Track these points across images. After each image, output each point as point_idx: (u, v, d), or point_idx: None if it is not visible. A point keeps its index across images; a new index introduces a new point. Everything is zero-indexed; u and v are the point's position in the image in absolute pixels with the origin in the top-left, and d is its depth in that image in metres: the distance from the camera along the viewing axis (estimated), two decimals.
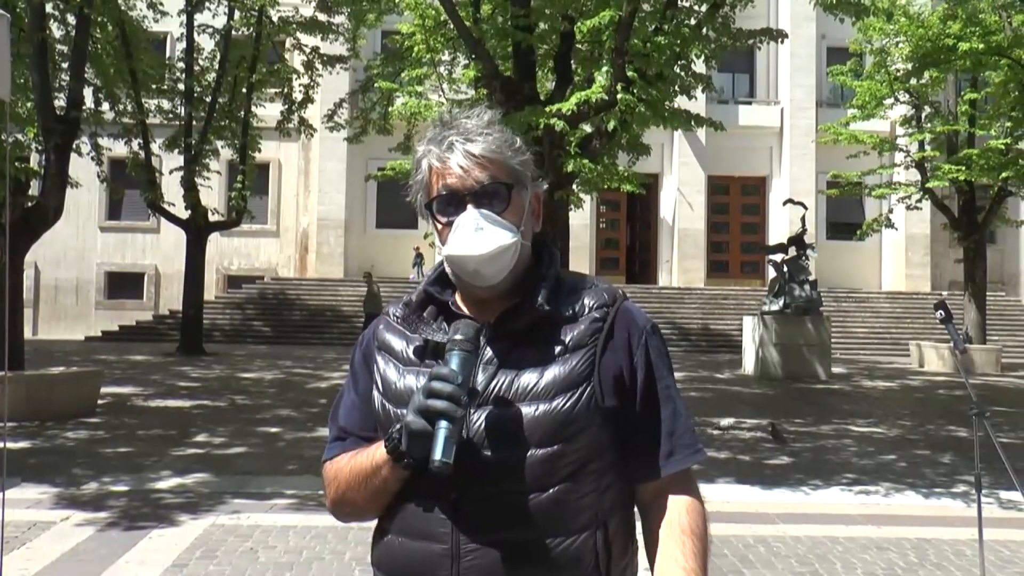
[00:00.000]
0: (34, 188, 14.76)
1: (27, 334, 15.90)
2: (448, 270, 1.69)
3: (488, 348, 1.62)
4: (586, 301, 1.67)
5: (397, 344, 1.71)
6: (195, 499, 7.13)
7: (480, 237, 1.59)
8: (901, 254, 32.02)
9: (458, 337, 1.56)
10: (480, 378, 1.60)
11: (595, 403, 1.61)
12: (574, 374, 1.60)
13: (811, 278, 20.01)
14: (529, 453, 1.57)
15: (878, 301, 30.42)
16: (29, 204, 13.15)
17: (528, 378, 1.59)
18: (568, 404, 1.58)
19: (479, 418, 1.58)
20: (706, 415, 11.98)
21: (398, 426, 1.56)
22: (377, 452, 1.60)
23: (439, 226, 1.65)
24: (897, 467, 9.16)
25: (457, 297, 1.71)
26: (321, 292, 28.97)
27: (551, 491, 1.57)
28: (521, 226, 1.65)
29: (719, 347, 25.85)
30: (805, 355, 18.82)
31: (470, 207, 1.61)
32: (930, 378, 19.46)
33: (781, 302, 19.33)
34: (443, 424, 1.48)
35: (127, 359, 20.06)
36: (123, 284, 30.37)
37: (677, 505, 1.66)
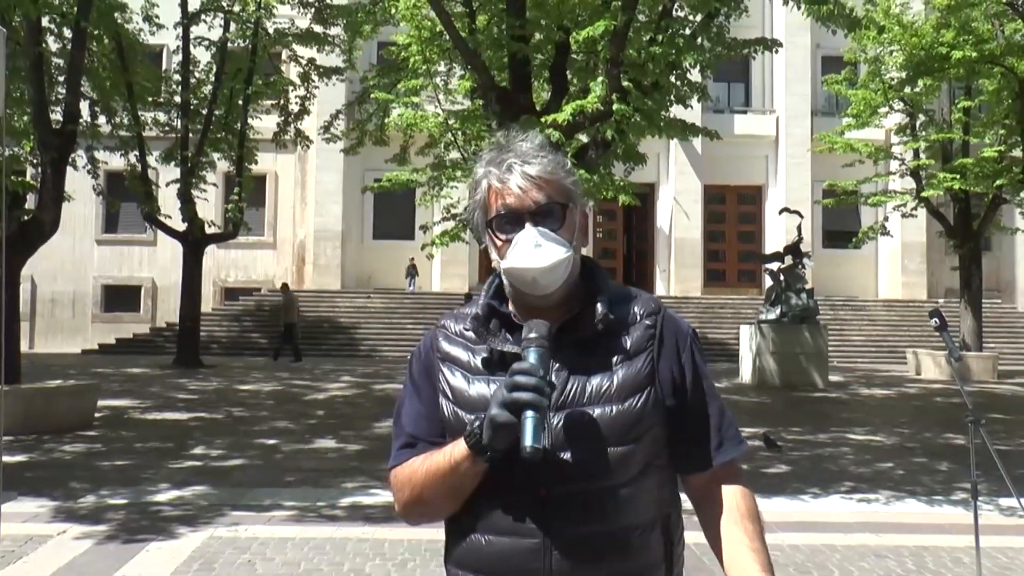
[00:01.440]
0: (30, 202, 14.78)
1: (23, 348, 15.89)
2: (505, 282, 1.79)
3: (553, 358, 1.71)
4: (636, 309, 1.81)
5: (462, 355, 1.81)
6: (193, 511, 7.12)
7: (539, 253, 1.71)
8: (897, 262, 32.07)
9: (533, 335, 1.66)
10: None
11: (659, 403, 1.75)
12: (640, 376, 1.74)
13: (808, 287, 20.04)
14: (609, 451, 1.69)
15: (875, 309, 30.46)
16: (26, 218, 13.15)
17: (599, 382, 1.72)
18: (640, 404, 1.72)
19: (560, 421, 1.69)
20: None
21: (477, 422, 1.65)
22: (455, 449, 1.68)
23: (498, 243, 1.76)
24: (895, 475, 9.17)
25: (511, 308, 1.81)
26: (318, 304, 28.94)
27: (628, 486, 1.71)
28: (574, 241, 1.76)
29: (716, 356, 25.79)
30: (802, 364, 18.84)
31: (528, 225, 1.72)
32: (927, 386, 19.49)
33: (778, 311, 19.36)
34: (530, 414, 1.57)
35: (124, 372, 20.03)
36: (120, 297, 30.32)
37: (734, 493, 1.80)
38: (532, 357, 1.63)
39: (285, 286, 25.80)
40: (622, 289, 1.85)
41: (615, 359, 1.74)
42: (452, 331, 1.84)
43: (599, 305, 1.76)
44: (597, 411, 1.69)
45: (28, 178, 15.90)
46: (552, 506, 1.67)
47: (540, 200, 1.72)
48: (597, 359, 1.74)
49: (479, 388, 1.74)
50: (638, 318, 1.79)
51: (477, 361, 1.78)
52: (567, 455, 1.67)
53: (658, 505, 1.76)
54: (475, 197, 1.79)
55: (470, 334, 1.81)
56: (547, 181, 1.73)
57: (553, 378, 1.67)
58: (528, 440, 1.55)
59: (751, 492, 1.82)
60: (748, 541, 1.73)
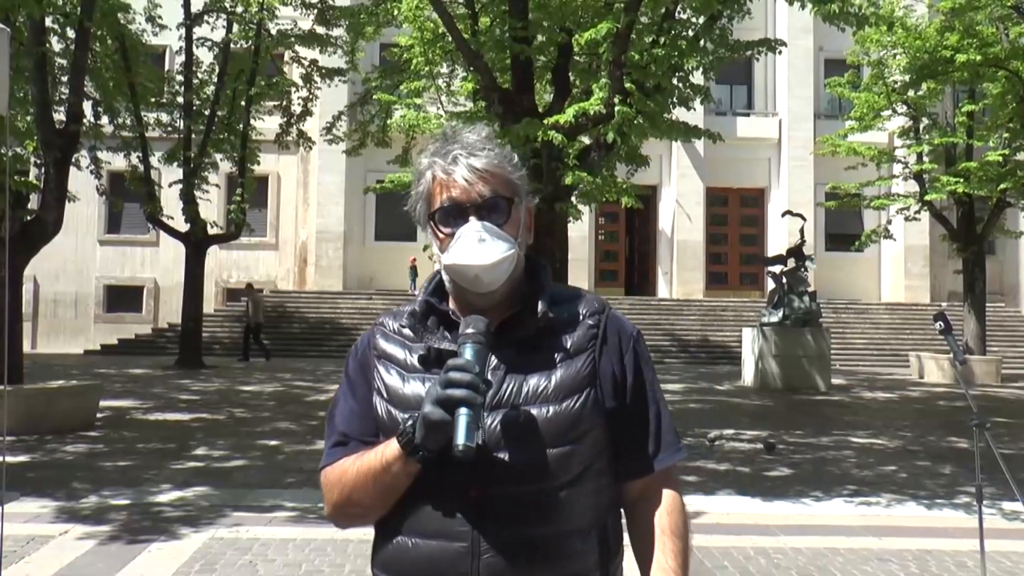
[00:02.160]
0: (34, 202, 14.78)
1: (26, 348, 15.90)
2: (446, 278, 1.75)
3: (492, 355, 1.66)
4: (579, 309, 1.76)
5: (398, 353, 1.75)
6: (195, 512, 7.11)
7: (482, 248, 1.65)
8: (900, 265, 32.04)
9: (470, 331, 1.62)
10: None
11: (599, 404, 1.69)
12: (579, 377, 1.68)
13: (810, 289, 20.02)
14: (547, 452, 1.63)
15: (877, 312, 30.42)
16: (29, 218, 13.16)
17: (536, 382, 1.66)
18: (577, 405, 1.66)
19: (495, 420, 1.63)
20: (705, 427, 11.96)
21: (410, 421, 1.59)
22: (387, 449, 1.62)
23: (441, 236, 1.70)
24: (898, 478, 9.15)
25: (451, 306, 1.76)
26: (320, 305, 28.97)
27: (564, 490, 1.64)
28: (518, 238, 1.71)
29: (718, 359, 25.83)
30: (804, 367, 18.81)
31: (472, 219, 1.67)
32: (930, 389, 19.45)
33: (780, 313, 19.33)
34: (463, 411, 1.52)
35: (126, 373, 20.04)
36: (122, 297, 30.35)
37: (664, 506, 1.75)
38: (468, 353, 1.58)
39: (250, 286, 25.80)
40: (567, 289, 1.81)
41: (556, 358, 1.68)
42: (390, 328, 1.80)
43: (540, 303, 1.70)
44: (534, 411, 1.63)
45: (31, 178, 15.90)
46: (483, 508, 1.61)
47: (485, 193, 1.67)
48: (537, 358, 1.68)
49: (414, 387, 1.68)
50: (580, 317, 1.73)
51: (413, 359, 1.72)
52: (503, 455, 1.61)
53: (595, 511, 1.69)
54: (418, 188, 1.73)
55: (407, 331, 1.76)
56: (493, 174, 1.68)
57: (490, 376, 1.63)
58: (460, 438, 1.50)
59: (681, 504, 1.76)
60: (663, 560, 1.68)
